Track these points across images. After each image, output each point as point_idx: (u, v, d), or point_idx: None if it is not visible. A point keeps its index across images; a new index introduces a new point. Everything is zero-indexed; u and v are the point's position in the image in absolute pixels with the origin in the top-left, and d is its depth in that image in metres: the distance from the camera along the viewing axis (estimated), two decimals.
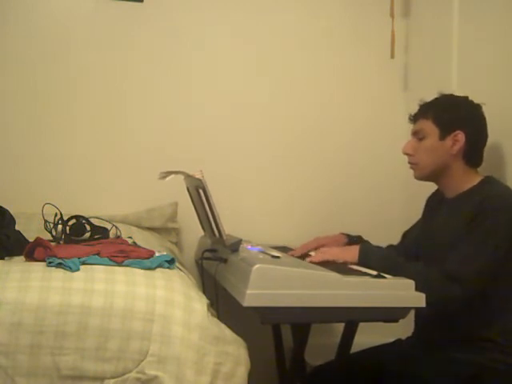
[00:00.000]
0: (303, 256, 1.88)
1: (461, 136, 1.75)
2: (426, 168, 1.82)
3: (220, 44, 2.43)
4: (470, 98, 1.82)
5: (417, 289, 1.51)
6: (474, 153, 1.79)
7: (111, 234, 1.87)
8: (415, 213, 2.02)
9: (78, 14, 2.33)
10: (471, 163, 1.79)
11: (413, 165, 1.85)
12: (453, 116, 1.79)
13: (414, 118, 1.86)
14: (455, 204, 1.78)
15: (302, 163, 2.50)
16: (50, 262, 1.45)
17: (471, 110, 1.80)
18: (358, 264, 1.73)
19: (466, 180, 1.78)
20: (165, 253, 1.65)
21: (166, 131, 2.37)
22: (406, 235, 2.04)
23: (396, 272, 1.59)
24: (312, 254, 1.86)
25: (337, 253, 1.78)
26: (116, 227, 1.90)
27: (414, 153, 1.83)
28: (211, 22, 2.42)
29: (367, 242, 2.01)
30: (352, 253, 1.76)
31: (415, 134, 1.84)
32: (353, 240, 2.01)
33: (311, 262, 1.72)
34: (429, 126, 1.79)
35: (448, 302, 1.61)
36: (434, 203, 1.93)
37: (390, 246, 2.02)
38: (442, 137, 1.77)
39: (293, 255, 1.89)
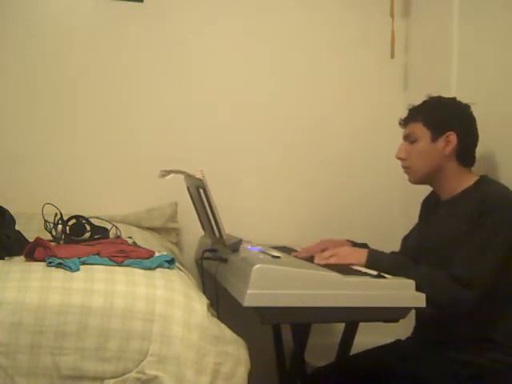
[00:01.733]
0: (308, 259, 1.87)
1: (453, 137, 1.76)
2: (419, 171, 1.82)
3: (220, 44, 2.43)
4: (461, 98, 1.83)
5: (425, 293, 1.50)
6: (466, 152, 1.79)
7: (111, 234, 1.87)
8: (415, 213, 2.02)
9: (78, 13, 2.33)
10: (464, 163, 1.79)
11: (406, 169, 1.85)
12: (443, 117, 1.79)
13: (404, 122, 1.86)
14: (453, 205, 1.78)
15: (302, 163, 2.50)
16: (50, 262, 1.45)
17: (460, 110, 1.80)
18: (366, 266, 1.70)
19: (460, 180, 1.78)
20: (165, 253, 1.65)
21: (166, 131, 2.38)
22: (404, 241, 2.03)
23: (404, 276, 1.57)
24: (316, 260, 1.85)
25: (345, 253, 1.76)
26: (116, 227, 1.90)
27: (406, 157, 1.83)
28: (211, 22, 2.42)
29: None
30: (360, 256, 1.74)
31: (406, 137, 1.84)
32: (358, 245, 2.00)
33: (319, 261, 1.71)
34: (420, 129, 1.80)
35: (457, 306, 1.60)
36: (430, 205, 1.93)
37: (394, 253, 2.01)
38: (434, 139, 1.77)
39: (296, 256, 1.88)
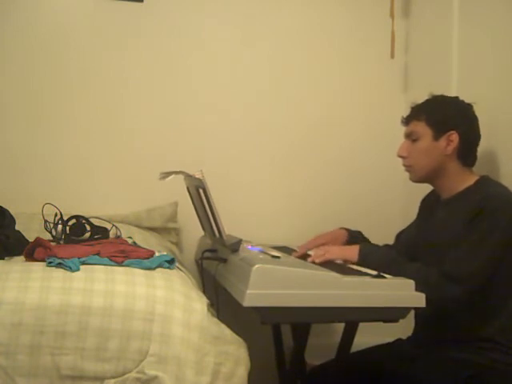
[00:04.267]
0: (304, 256, 1.88)
1: (454, 136, 1.76)
2: (421, 170, 1.82)
3: (220, 44, 2.43)
4: (461, 98, 1.83)
5: (416, 288, 1.51)
6: (468, 152, 1.79)
7: (111, 234, 1.87)
8: (415, 212, 2.02)
9: (77, 13, 2.33)
10: (466, 163, 1.79)
11: (408, 167, 1.85)
12: (445, 116, 1.79)
13: (407, 120, 1.86)
14: (452, 204, 1.78)
15: (302, 163, 2.50)
16: (49, 262, 1.45)
17: (463, 109, 1.80)
18: (358, 263, 1.73)
19: (461, 180, 1.78)
20: (165, 253, 1.65)
21: (166, 131, 2.38)
22: (399, 237, 2.04)
23: (395, 271, 1.59)
24: (311, 253, 1.86)
25: (336, 252, 1.78)
26: (116, 227, 1.90)
27: (408, 155, 1.83)
28: (211, 22, 2.42)
29: (367, 241, 2.02)
30: (352, 252, 1.76)
31: (408, 135, 1.84)
32: (353, 235, 2.02)
33: (312, 261, 1.72)
34: (422, 128, 1.79)
35: (447, 302, 1.61)
36: (430, 204, 1.93)
37: (387, 246, 2.03)
38: (436, 137, 1.77)
39: (295, 256, 1.89)
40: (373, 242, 2.03)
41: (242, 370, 1.42)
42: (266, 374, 2.09)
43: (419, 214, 2.00)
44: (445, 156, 1.77)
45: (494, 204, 1.65)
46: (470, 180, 1.77)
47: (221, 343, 1.41)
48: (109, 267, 1.47)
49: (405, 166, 1.86)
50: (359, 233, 2.05)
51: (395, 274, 1.58)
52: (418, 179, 1.85)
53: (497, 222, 1.62)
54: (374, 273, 1.56)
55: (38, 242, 1.54)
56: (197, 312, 1.41)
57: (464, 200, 1.74)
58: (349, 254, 1.76)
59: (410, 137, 1.83)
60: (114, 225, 1.91)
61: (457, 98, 1.85)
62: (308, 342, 1.88)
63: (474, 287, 1.61)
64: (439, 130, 1.77)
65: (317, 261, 1.72)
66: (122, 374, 1.33)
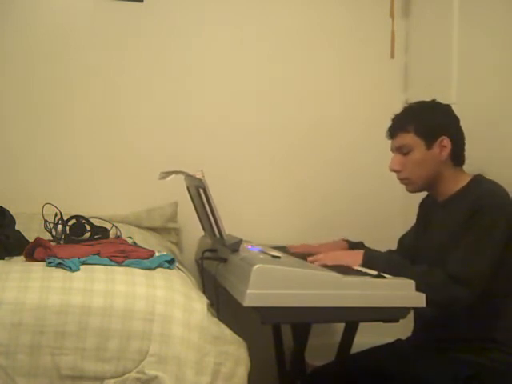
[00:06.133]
0: (303, 257, 1.87)
1: (446, 141, 1.75)
2: (419, 180, 1.79)
3: (220, 44, 2.43)
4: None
5: (422, 291, 1.50)
6: (459, 153, 1.79)
7: (111, 234, 1.87)
8: (414, 214, 2.02)
9: (77, 13, 2.33)
10: (458, 164, 1.79)
11: (404, 180, 1.82)
12: (433, 123, 1.77)
13: (392, 134, 1.83)
14: (450, 205, 1.78)
15: (302, 164, 2.50)
16: (49, 262, 1.45)
17: (446, 112, 1.79)
18: (362, 266, 1.72)
19: (456, 181, 1.78)
20: (165, 253, 1.65)
21: (166, 131, 2.38)
22: (401, 241, 2.04)
23: (400, 275, 1.57)
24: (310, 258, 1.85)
25: (341, 256, 1.77)
26: (116, 227, 1.90)
27: (402, 168, 1.80)
28: (211, 22, 2.42)
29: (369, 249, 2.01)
30: (356, 257, 1.75)
31: (399, 149, 1.80)
32: (354, 246, 2.01)
33: (311, 261, 1.72)
34: (412, 139, 1.77)
35: (454, 304, 1.61)
36: (428, 207, 1.93)
37: (390, 251, 2.02)
38: (429, 146, 1.76)
39: (295, 252, 1.88)
40: (373, 241, 2.03)
41: (242, 370, 1.42)
42: (266, 374, 2.09)
43: (418, 217, 1.99)
44: (440, 162, 1.76)
45: (489, 202, 1.65)
46: (464, 180, 1.77)
47: (221, 343, 1.41)
48: (109, 267, 1.47)
49: (400, 179, 1.83)
50: (361, 243, 2.03)
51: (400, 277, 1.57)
52: (417, 189, 1.83)
53: (493, 221, 1.62)
54: (374, 273, 1.56)
55: (38, 242, 1.54)
56: (197, 312, 1.41)
57: (460, 200, 1.74)
58: (353, 258, 1.74)
59: (401, 150, 1.79)
60: (114, 225, 1.90)
61: (434, 100, 1.81)
62: (308, 341, 1.89)
63: (479, 288, 1.60)
64: (430, 139, 1.75)
65: (316, 263, 1.71)
66: (122, 374, 1.33)
